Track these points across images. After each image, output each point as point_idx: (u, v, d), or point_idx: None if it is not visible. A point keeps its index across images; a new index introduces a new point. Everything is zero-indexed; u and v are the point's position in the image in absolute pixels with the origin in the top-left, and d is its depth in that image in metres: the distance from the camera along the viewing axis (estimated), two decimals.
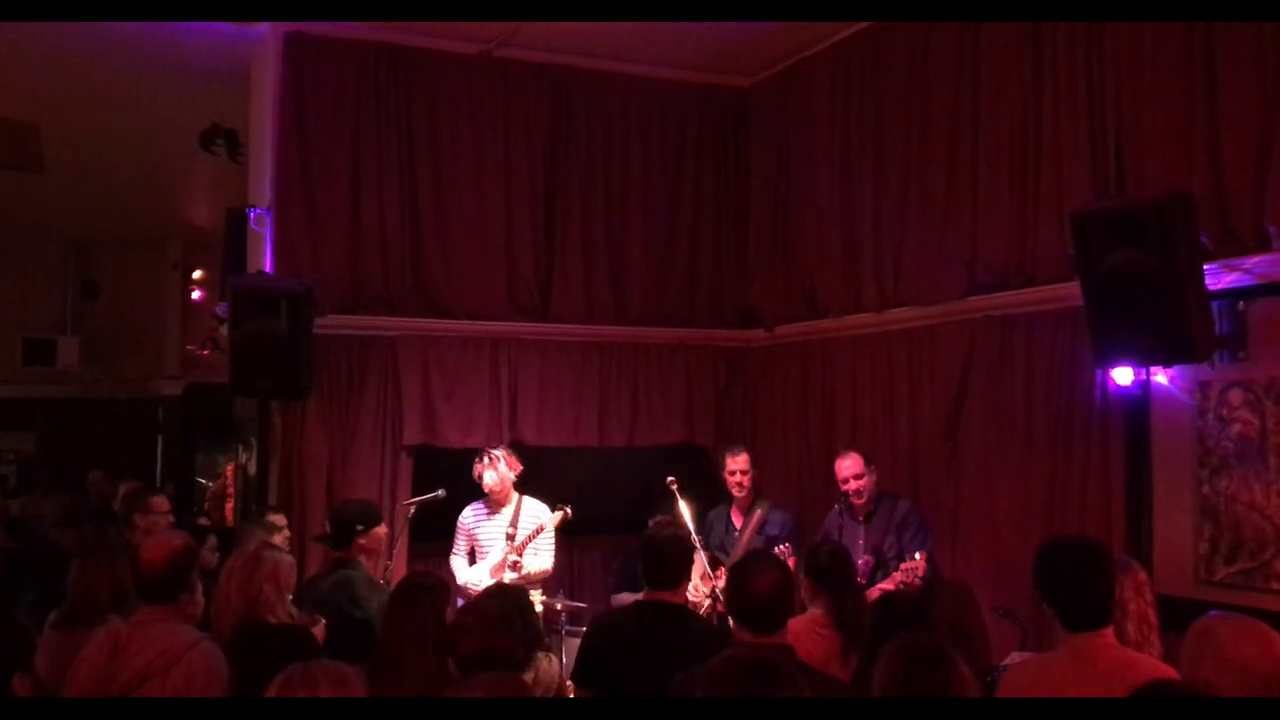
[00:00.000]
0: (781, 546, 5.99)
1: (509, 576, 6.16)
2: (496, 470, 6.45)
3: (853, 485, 5.94)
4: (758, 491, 6.80)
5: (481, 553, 6.44)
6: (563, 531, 6.62)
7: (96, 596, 4.35)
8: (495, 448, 6.61)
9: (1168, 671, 2.99)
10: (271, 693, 2.63)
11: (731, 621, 3.59)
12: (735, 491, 6.64)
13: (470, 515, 6.55)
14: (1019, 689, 3.27)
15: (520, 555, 6.26)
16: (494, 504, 6.50)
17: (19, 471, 14.57)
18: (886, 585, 5.52)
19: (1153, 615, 3.67)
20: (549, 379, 7.36)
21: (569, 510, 6.37)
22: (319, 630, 4.48)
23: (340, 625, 4.78)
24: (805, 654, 3.79)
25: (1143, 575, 3.76)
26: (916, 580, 5.45)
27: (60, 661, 3.77)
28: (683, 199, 7.89)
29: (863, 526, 5.96)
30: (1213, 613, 2.95)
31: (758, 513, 6.57)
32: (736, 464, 6.64)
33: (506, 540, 6.32)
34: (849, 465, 5.97)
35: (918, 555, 5.52)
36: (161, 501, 6.77)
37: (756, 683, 2.56)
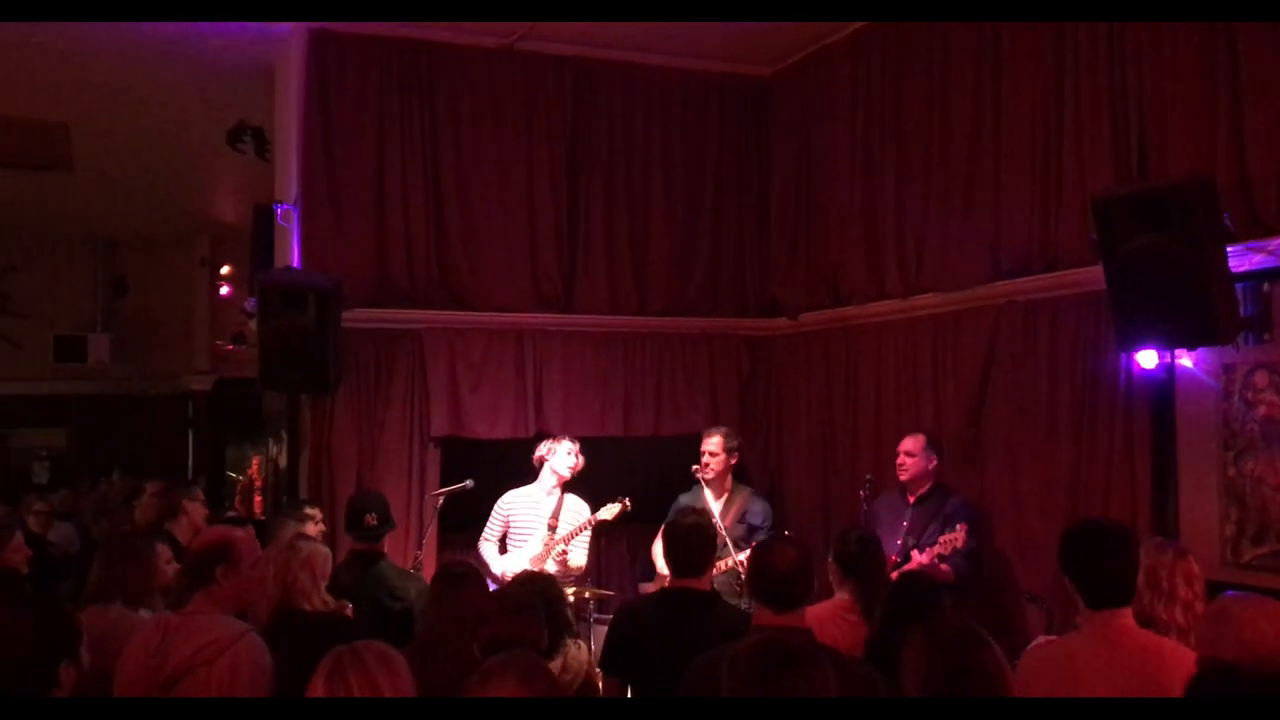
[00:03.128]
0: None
1: (551, 568, 6.17)
2: (581, 459, 6.49)
3: (901, 459, 6.00)
4: (740, 478, 6.77)
5: (515, 540, 6.46)
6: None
7: (123, 587, 4.46)
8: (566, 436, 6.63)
9: (1188, 656, 3.01)
10: (322, 673, 2.70)
11: (752, 602, 3.62)
12: (703, 473, 6.52)
13: (511, 500, 6.51)
14: (1036, 670, 3.30)
15: (568, 545, 6.27)
16: (539, 493, 6.48)
17: (51, 467, 14.76)
18: (923, 559, 5.53)
19: (1200, 605, 3.67)
20: (573, 370, 7.41)
21: (628, 503, 6.34)
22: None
23: (378, 617, 4.84)
24: (830, 640, 3.83)
25: (1195, 567, 3.77)
26: (950, 556, 5.48)
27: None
28: (704, 188, 7.91)
29: (911, 509, 5.98)
30: (1229, 593, 2.98)
31: (739, 499, 6.52)
32: (707, 445, 6.59)
33: (548, 531, 6.34)
34: (906, 442, 6.04)
35: (958, 527, 5.54)
36: (199, 494, 6.96)
37: (783, 667, 2.59)
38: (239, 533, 4.06)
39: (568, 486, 6.54)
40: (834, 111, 7.40)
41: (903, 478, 6.02)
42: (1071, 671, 3.17)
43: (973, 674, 2.70)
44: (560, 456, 6.46)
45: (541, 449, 6.54)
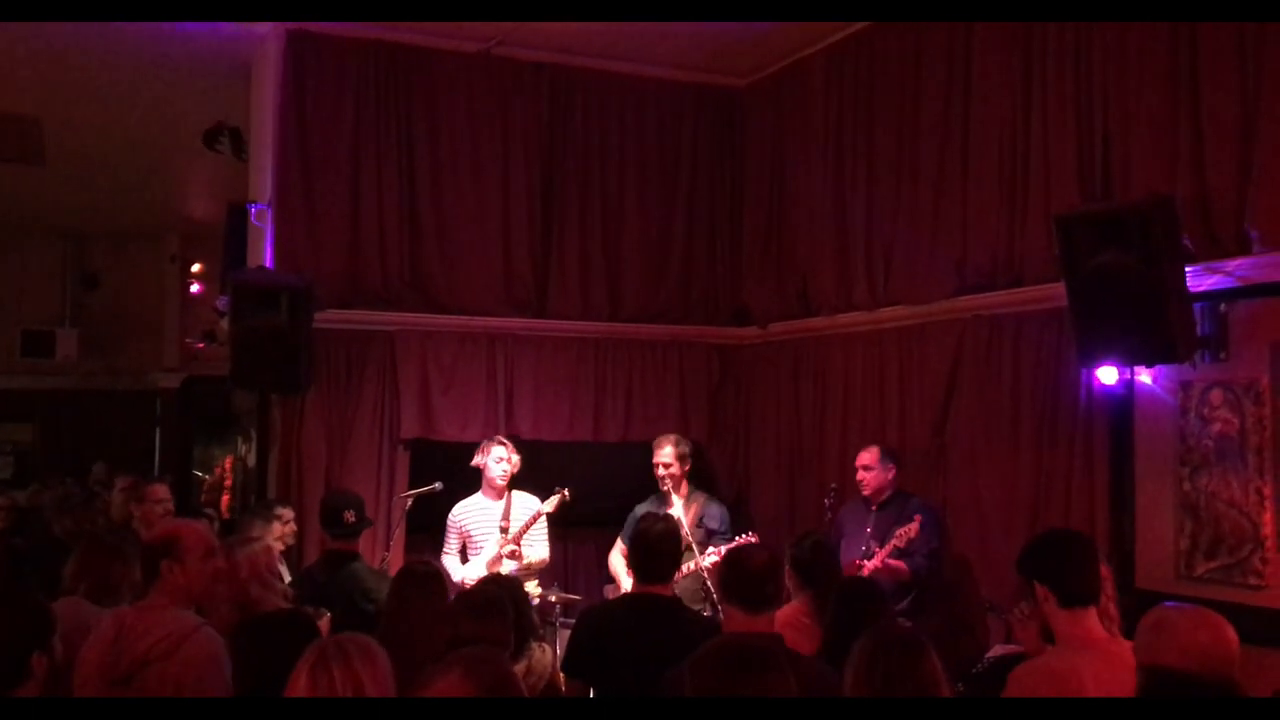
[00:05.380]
0: (720, 547, 5.97)
1: (509, 567, 6.20)
2: (514, 459, 6.48)
3: (860, 475, 6.13)
4: (695, 483, 6.83)
5: (474, 548, 6.47)
6: (558, 523, 6.70)
7: (100, 582, 4.43)
8: (498, 439, 6.63)
9: None
10: (305, 666, 2.67)
11: (722, 608, 3.66)
12: (661, 484, 6.63)
13: (461, 512, 6.55)
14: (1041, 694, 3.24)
15: (518, 544, 6.30)
16: (487, 498, 6.51)
17: (16, 463, 14.64)
18: (875, 563, 5.66)
19: (1111, 605, 3.80)
20: (544, 374, 7.45)
21: (566, 493, 6.34)
22: (324, 624, 4.54)
23: (354, 618, 4.84)
24: (790, 643, 3.89)
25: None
26: (905, 549, 5.61)
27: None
28: (677, 197, 7.97)
29: (873, 514, 6.11)
30: (1166, 604, 3.08)
31: (695, 505, 6.58)
32: (659, 457, 6.67)
33: (500, 533, 6.38)
34: (863, 456, 6.18)
35: (914, 518, 5.67)
36: (156, 490, 6.86)
37: (745, 668, 2.63)
38: (187, 527, 4.02)
39: (519, 485, 6.55)
40: (806, 124, 7.48)
41: (865, 493, 6.15)
42: (1082, 694, 3.18)
43: (909, 680, 2.77)
44: (492, 465, 6.47)
45: (477, 458, 6.53)
